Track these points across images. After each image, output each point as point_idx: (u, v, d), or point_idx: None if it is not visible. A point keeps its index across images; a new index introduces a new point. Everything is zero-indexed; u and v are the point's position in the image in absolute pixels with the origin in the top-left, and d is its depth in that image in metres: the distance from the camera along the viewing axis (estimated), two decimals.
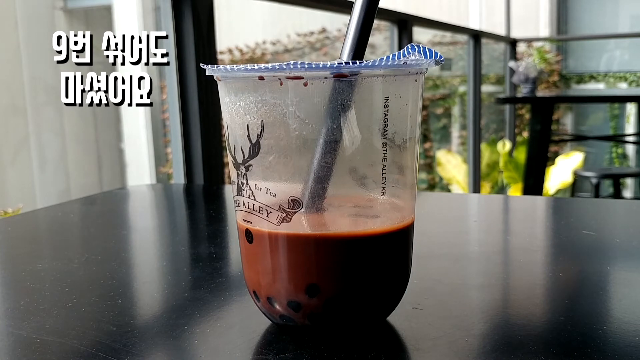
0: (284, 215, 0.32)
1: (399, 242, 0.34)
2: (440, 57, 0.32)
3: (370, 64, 0.30)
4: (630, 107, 5.54)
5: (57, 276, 0.48)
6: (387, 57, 0.30)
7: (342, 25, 5.13)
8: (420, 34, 5.08)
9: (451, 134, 5.57)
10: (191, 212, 0.77)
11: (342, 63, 0.30)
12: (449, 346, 0.33)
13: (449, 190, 4.79)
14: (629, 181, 5.24)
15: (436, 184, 5.17)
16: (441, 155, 4.80)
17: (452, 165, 4.63)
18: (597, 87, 5.97)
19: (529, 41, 5.66)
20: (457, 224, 0.65)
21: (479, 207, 0.78)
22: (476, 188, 3.90)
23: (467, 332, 0.34)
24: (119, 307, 0.40)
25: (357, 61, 0.30)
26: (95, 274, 0.48)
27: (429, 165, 5.20)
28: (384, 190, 0.33)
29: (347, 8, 2.12)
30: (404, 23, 2.42)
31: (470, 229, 0.63)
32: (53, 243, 0.63)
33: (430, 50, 0.32)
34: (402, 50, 0.33)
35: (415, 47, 0.32)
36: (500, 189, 4.80)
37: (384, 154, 0.32)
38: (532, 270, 0.48)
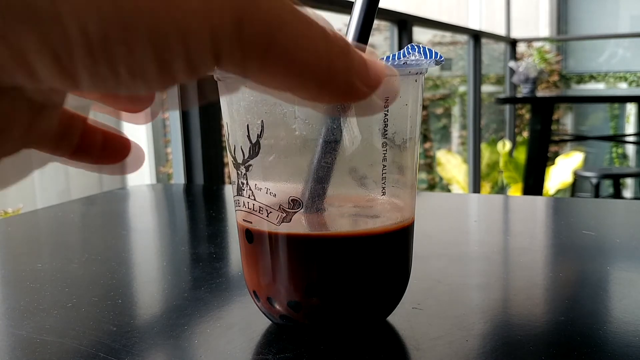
0: (284, 215, 0.32)
1: (399, 242, 0.34)
2: (441, 57, 0.32)
3: None
4: (630, 107, 5.55)
5: (57, 276, 0.48)
6: (387, 57, 0.30)
7: (342, 25, 5.11)
8: (420, 34, 5.07)
9: (451, 134, 5.57)
10: (191, 212, 0.77)
11: None
12: (449, 346, 0.33)
13: (449, 190, 4.79)
14: (629, 181, 5.24)
15: (436, 184, 5.17)
16: (441, 155, 4.80)
17: (452, 165, 4.63)
18: (597, 87, 5.97)
19: (529, 41, 5.66)
20: (457, 224, 0.65)
21: (479, 207, 0.78)
22: (476, 188, 3.90)
23: (467, 332, 0.34)
24: (119, 307, 0.40)
25: None
26: (95, 274, 0.48)
27: (429, 165, 5.20)
28: (384, 190, 0.33)
29: (347, 8, 2.12)
30: (404, 23, 2.42)
31: (470, 229, 0.63)
32: (53, 243, 0.63)
33: (430, 50, 0.32)
34: (402, 50, 0.33)
35: (415, 47, 0.32)
36: (500, 189, 4.80)
37: (384, 154, 0.32)
38: (532, 270, 0.48)
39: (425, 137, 5.39)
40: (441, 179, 4.91)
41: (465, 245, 0.56)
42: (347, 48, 0.18)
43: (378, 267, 0.34)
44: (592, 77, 6.00)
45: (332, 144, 0.31)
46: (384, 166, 0.32)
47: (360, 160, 0.33)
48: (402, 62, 0.31)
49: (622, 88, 5.87)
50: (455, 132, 5.52)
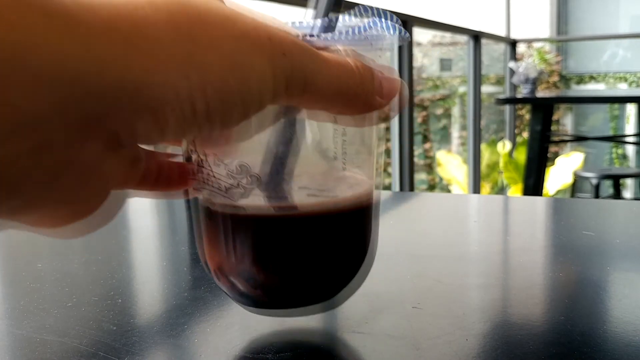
0: (243, 191, 0.31)
1: (360, 217, 0.34)
2: (405, 33, 0.31)
3: (330, 37, 0.28)
4: (630, 108, 5.55)
5: (57, 276, 0.48)
6: (349, 31, 0.29)
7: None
8: (420, 34, 5.08)
9: (451, 134, 5.58)
10: (191, 212, 0.77)
11: (300, 35, 0.28)
12: (449, 346, 0.33)
13: (448, 191, 4.79)
14: (629, 182, 5.25)
15: (436, 185, 5.18)
16: (441, 155, 4.81)
17: (452, 166, 4.64)
18: (597, 88, 5.98)
19: (529, 42, 5.67)
20: (457, 225, 0.65)
21: (479, 207, 0.78)
22: (476, 188, 3.91)
23: (467, 332, 0.34)
24: (119, 306, 0.41)
25: (319, 34, 0.29)
26: (95, 274, 0.48)
27: (429, 165, 5.20)
28: (344, 165, 0.32)
29: (346, 8, 2.12)
30: (404, 23, 2.42)
31: (470, 230, 0.63)
32: (53, 243, 0.63)
33: (394, 26, 0.30)
34: (366, 22, 0.31)
35: (379, 21, 0.31)
36: (500, 190, 4.80)
37: (344, 127, 0.31)
38: (532, 270, 0.48)
39: (425, 138, 5.39)
40: (441, 179, 4.92)
41: (465, 246, 0.56)
42: (368, 76, 0.26)
43: (338, 243, 0.33)
44: (592, 78, 6.01)
45: (292, 117, 0.30)
46: (344, 140, 0.32)
47: (321, 134, 0.32)
48: (364, 37, 0.29)
49: (622, 88, 5.87)
50: (455, 133, 5.52)
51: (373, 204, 0.35)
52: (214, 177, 0.31)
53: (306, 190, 0.33)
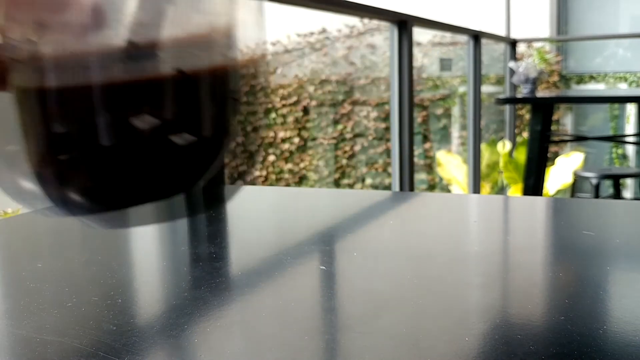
0: (24, 53, 0.19)
1: (198, 77, 0.21)
2: None
3: None
4: (630, 108, 5.55)
5: (57, 276, 0.48)
6: None
7: (343, 26, 5.13)
8: (420, 34, 5.08)
9: (451, 134, 5.58)
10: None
11: None
12: (448, 346, 0.33)
13: (448, 191, 4.79)
14: (629, 182, 5.25)
15: (436, 185, 5.18)
16: (441, 155, 4.81)
17: (452, 166, 4.64)
18: (597, 88, 5.98)
19: (529, 42, 5.66)
20: (457, 225, 0.65)
21: (479, 207, 0.78)
22: (476, 188, 3.90)
23: (467, 332, 0.35)
24: (119, 306, 0.41)
25: None
26: (95, 274, 0.48)
27: (429, 165, 5.20)
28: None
29: (347, 8, 2.12)
30: (404, 23, 2.42)
31: (470, 230, 0.63)
32: (53, 243, 0.63)
33: None
34: None
35: None
36: (500, 190, 4.80)
37: None
38: (532, 270, 0.48)
39: (425, 138, 5.39)
40: (441, 179, 4.91)
41: (465, 245, 0.56)
42: None
43: (175, 113, 0.21)
44: (592, 78, 6.01)
45: None
46: None
47: None
48: None
49: (622, 88, 5.87)
50: (455, 133, 5.52)
51: (232, 61, 0.21)
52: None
53: (115, 35, 0.19)
